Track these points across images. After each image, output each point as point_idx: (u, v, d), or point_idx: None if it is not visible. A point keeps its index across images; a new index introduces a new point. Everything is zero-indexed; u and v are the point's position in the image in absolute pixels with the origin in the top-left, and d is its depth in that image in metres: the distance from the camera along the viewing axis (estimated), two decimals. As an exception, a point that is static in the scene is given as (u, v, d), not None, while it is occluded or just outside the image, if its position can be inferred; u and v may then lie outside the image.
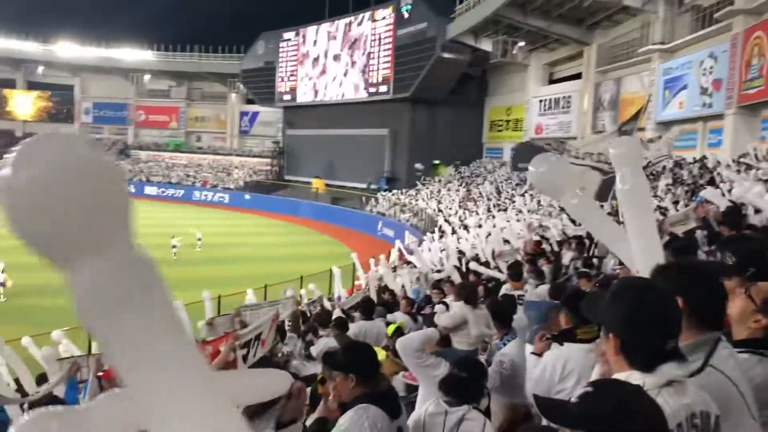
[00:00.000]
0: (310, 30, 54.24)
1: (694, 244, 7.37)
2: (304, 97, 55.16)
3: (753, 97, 22.63)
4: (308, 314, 11.71)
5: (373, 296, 10.38)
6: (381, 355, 5.93)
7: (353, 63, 49.62)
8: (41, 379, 7.19)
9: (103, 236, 1.05)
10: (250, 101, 65.03)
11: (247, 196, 55.01)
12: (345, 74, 50.34)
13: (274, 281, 18.07)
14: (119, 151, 67.99)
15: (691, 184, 19.31)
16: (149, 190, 59.32)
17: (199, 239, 31.38)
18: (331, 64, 52.08)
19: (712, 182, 16.91)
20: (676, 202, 16.50)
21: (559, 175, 3.16)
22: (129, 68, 66.22)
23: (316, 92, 53.76)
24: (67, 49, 65.64)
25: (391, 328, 6.23)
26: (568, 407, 1.51)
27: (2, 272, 20.35)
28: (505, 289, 7.56)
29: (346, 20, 50.44)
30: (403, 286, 13.09)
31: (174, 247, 28.79)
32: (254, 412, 2.57)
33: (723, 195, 11.44)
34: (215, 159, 65.18)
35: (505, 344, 4.65)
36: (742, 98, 23.23)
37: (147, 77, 67.49)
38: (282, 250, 32.57)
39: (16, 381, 7.88)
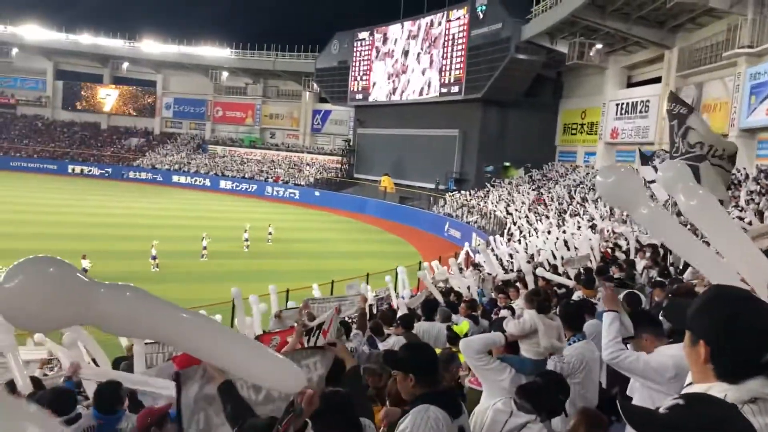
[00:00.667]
0: (390, 29, 54.45)
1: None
2: (376, 96, 55.55)
3: None
4: (374, 311, 11.82)
5: (438, 297, 10.36)
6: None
7: (429, 62, 49.57)
8: (118, 362, 7.48)
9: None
10: (322, 100, 66.10)
11: (317, 193, 55.91)
12: (422, 73, 50.30)
13: (341, 277, 18.32)
14: (197, 145, 70.38)
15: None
16: (224, 184, 61.15)
17: (270, 233, 32.11)
18: (406, 64, 52.22)
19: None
20: (760, 213, 15.76)
21: (628, 187, 3.11)
22: (208, 65, 68.50)
23: (389, 91, 54.02)
24: (151, 46, 68.45)
25: (462, 329, 6.19)
26: (654, 416, 1.47)
27: (85, 258, 21.43)
28: (576, 297, 7.41)
29: (426, 20, 50.43)
30: (468, 288, 13.01)
31: (246, 240, 29.59)
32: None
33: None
34: (288, 156, 66.51)
35: (570, 344, 4.63)
36: (837, 105, 21.95)
37: (225, 74, 69.53)
38: (349, 247, 32.96)
39: (93, 362, 8.27)
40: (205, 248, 27.00)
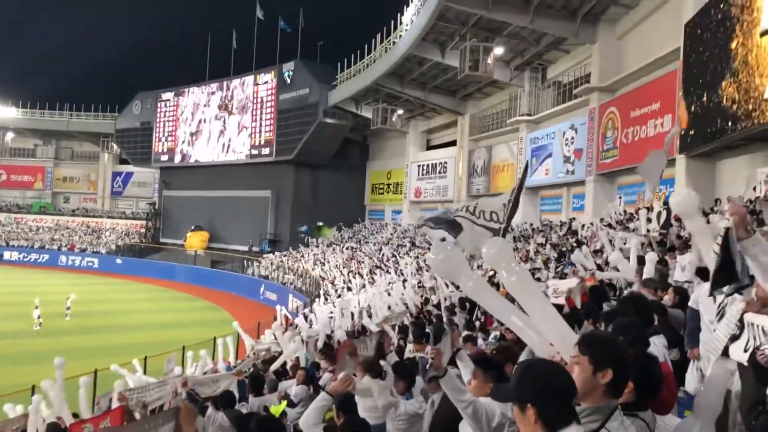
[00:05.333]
0: (192, 91, 53.60)
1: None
2: (182, 157, 53.94)
3: (609, 165, 24.84)
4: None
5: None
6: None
7: (236, 125, 49.37)
8: None
9: None
10: (123, 161, 62.73)
11: (119, 261, 52.35)
12: (226, 136, 49.91)
13: (153, 352, 17.21)
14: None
15: (558, 245, 20.62)
16: (9, 255, 54.94)
17: (69, 308, 29.28)
18: (212, 126, 51.51)
19: (579, 244, 18.18)
20: (546, 261, 17.66)
21: (455, 261, 3.63)
22: (-11, 125, 61.93)
23: (197, 153, 52.74)
24: None
25: (276, 411, 6.33)
26: None
27: None
28: (408, 351, 7.83)
29: (229, 82, 50.40)
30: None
31: (38, 317, 26.72)
32: None
33: (590, 256, 12.39)
34: (85, 221, 61.69)
35: (407, 399, 5.21)
36: (600, 167, 25.41)
37: (10, 135, 63.35)
38: (159, 317, 31.11)
39: None
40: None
